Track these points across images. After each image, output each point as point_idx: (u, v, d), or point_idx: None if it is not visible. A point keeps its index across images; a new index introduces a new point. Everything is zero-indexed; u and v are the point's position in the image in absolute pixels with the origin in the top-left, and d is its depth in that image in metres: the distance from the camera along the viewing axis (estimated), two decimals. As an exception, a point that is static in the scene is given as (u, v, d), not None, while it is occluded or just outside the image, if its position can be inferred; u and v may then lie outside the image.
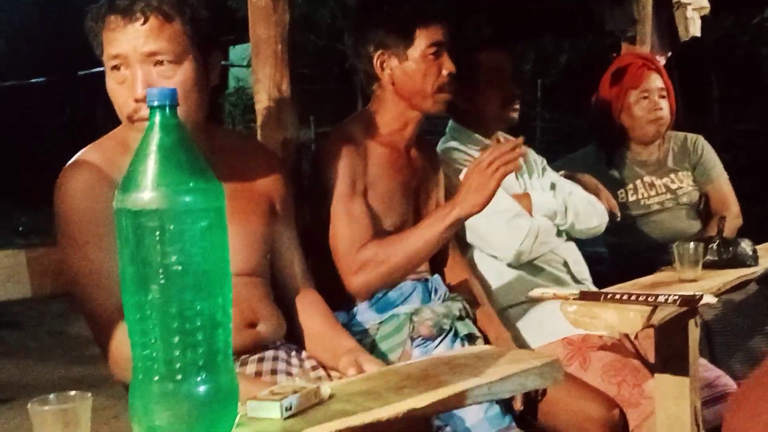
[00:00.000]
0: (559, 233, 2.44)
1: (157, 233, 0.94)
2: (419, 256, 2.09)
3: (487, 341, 2.16)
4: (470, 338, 2.08)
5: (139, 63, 1.56)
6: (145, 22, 1.55)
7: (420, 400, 1.16)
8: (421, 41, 2.12)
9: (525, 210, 2.36)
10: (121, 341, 1.45)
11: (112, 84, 1.61)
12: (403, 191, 2.18)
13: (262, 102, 2.24)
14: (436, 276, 2.20)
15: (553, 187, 2.55)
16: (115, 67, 1.59)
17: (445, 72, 2.14)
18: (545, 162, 2.68)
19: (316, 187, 2.13)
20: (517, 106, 2.54)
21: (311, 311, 1.83)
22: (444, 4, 2.19)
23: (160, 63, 1.57)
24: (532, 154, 2.66)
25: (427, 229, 2.06)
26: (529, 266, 2.39)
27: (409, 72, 2.13)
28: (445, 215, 2.04)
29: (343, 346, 1.72)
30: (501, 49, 2.52)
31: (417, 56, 2.13)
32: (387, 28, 2.13)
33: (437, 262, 2.28)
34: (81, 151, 1.64)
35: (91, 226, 1.54)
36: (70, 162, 1.63)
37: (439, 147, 2.52)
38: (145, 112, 1.53)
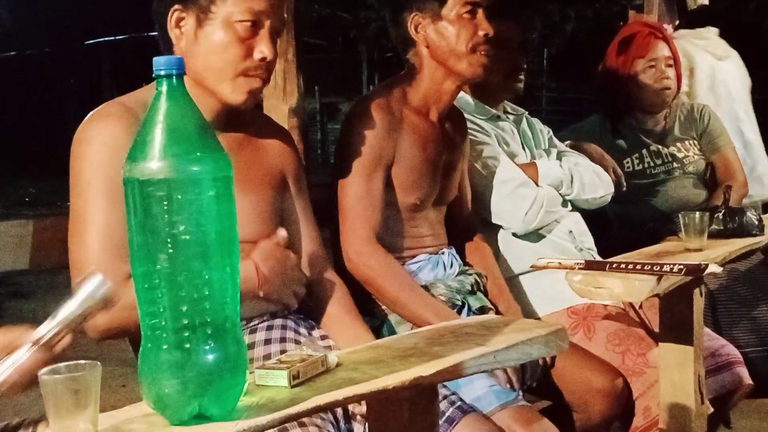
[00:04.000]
0: (564, 203, 2.44)
1: (165, 203, 0.95)
2: (405, 313, 2.00)
3: (497, 313, 2.17)
4: (482, 311, 2.09)
5: (268, 27, 1.63)
6: None
7: (426, 368, 1.17)
8: (456, 0, 2.04)
9: (531, 179, 2.36)
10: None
11: (227, 37, 1.61)
12: (431, 166, 2.10)
13: (267, 71, 2.23)
14: (452, 249, 2.20)
15: (559, 156, 2.55)
16: (240, 21, 1.61)
17: (481, 33, 2.03)
18: (551, 132, 2.67)
19: (342, 151, 2.06)
20: (522, 77, 2.53)
21: (330, 293, 1.82)
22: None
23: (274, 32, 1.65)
24: (538, 124, 2.65)
25: (426, 309, 1.97)
26: (535, 235, 2.40)
27: (442, 32, 2.04)
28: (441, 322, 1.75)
29: (359, 337, 1.73)
30: (507, 17, 2.50)
31: (452, 16, 2.03)
32: None
33: (455, 233, 2.27)
34: (106, 103, 1.62)
35: (107, 179, 1.51)
36: (94, 111, 1.60)
37: None
38: (259, 70, 1.64)
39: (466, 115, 2.45)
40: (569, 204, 2.46)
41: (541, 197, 2.34)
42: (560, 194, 2.41)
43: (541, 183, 2.37)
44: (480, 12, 2.04)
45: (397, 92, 2.10)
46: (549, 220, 2.39)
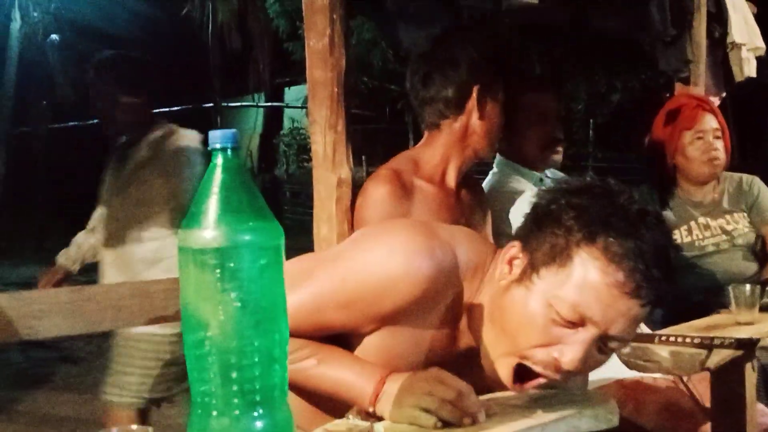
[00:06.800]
0: None
1: (218, 271, 0.97)
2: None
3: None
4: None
5: (593, 332, 1.31)
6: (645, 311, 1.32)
7: (472, 440, 1.16)
8: None
9: None
10: None
11: (538, 313, 1.31)
12: None
13: (318, 142, 2.28)
14: None
15: None
16: (567, 318, 1.30)
17: None
18: None
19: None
20: (560, 149, 2.54)
21: None
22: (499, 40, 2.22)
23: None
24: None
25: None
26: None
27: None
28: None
29: None
30: (546, 91, 2.53)
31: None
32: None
33: None
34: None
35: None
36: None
37: (487, 181, 2.53)
38: (543, 374, 1.33)
39: (509, 181, 2.46)
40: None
41: None
42: None
43: None
44: None
45: (410, 164, 2.18)
46: None
